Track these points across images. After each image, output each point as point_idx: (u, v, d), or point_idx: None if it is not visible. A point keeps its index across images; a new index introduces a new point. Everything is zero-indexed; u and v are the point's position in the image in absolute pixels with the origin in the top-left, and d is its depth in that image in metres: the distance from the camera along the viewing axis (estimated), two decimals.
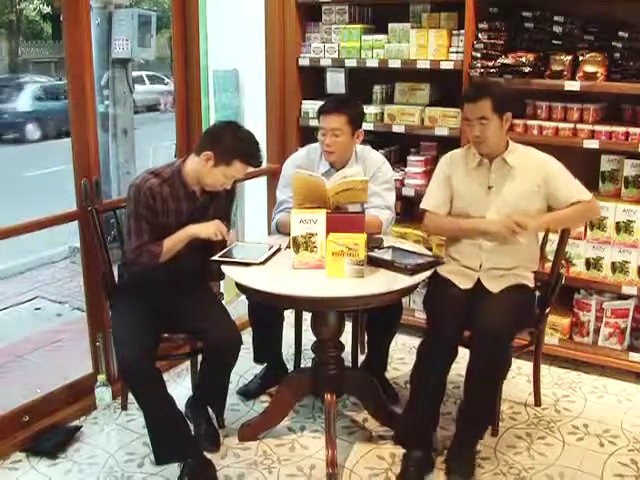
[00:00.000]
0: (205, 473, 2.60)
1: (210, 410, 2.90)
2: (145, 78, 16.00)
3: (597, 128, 3.27)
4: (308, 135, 3.83)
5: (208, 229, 2.67)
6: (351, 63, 3.78)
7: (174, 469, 2.62)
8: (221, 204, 2.79)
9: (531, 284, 2.83)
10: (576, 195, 2.75)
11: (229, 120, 2.96)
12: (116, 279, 2.88)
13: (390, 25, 3.68)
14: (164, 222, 2.64)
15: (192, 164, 2.65)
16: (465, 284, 2.78)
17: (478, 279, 2.79)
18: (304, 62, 3.92)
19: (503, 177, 2.78)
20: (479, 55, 3.39)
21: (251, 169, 2.74)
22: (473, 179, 2.82)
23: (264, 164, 4.01)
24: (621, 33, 3.20)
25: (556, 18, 3.35)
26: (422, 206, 2.93)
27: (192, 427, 2.75)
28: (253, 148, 2.65)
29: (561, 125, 3.34)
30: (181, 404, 2.82)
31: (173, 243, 2.64)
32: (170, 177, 2.65)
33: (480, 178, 2.81)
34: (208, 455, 2.66)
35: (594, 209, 2.88)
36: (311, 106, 3.92)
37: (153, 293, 2.66)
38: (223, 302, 2.96)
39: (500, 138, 2.75)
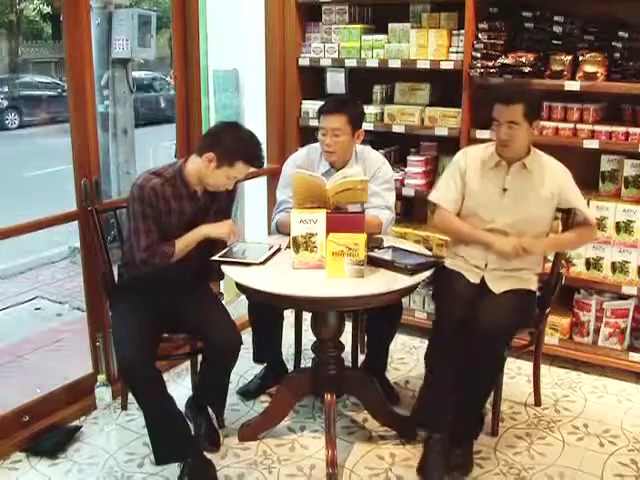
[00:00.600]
0: (205, 473, 2.60)
1: (210, 410, 2.90)
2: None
3: (597, 128, 3.27)
4: (308, 135, 3.82)
5: (222, 229, 2.69)
6: (351, 63, 3.77)
7: (174, 469, 2.62)
8: (222, 204, 2.79)
9: (534, 287, 2.83)
10: (587, 213, 2.79)
11: (231, 121, 2.96)
12: (116, 279, 2.88)
13: (390, 25, 3.68)
14: (166, 222, 2.64)
15: (194, 165, 2.65)
16: (473, 279, 2.78)
17: (483, 277, 2.79)
18: (304, 62, 3.91)
19: (520, 181, 2.75)
20: (479, 55, 3.39)
21: (253, 169, 2.74)
22: (489, 180, 2.79)
23: (264, 164, 4.04)
24: (621, 33, 3.19)
25: (556, 18, 3.35)
26: (433, 199, 2.89)
27: (192, 427, 2.75)
28: (255, 149, 2.66)
29: (561, 125, 3.34)
30: (181, 404, 2.83)
31: (185, 244, 2.65)
32: (172, 177, 2.65)
33: (496, 179, 2.78)
34: (208, 455, 2.66)
35: (593, 235, 2.93)
36: (311, 106, 3.92)
37: (153, 293, 2.65)
38: (223, 302, 2.96)
39: (526, 144, 2.73)
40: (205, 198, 2.71)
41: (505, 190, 2.77)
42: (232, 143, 2.60)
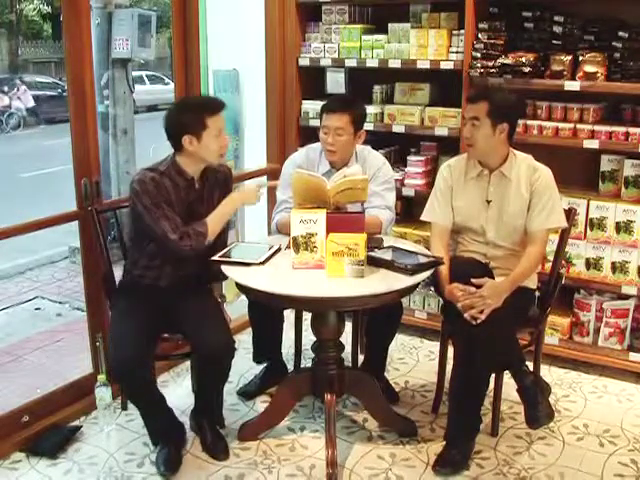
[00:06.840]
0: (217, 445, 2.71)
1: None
2: (145, 78, 16.04)
3: (597, 128, 3.26)
4: (308, 135, 3.82)
5: (251, 198, 2.78)
6: (351, 63, 3.77)
7: None
8: (219, 191, 2.77)
9: (533, 285, 2.84)
10: (541, 225, 2.71)
11: (172, 103, 2.97)
12: (116, 279, 2.87)
13: (390, 25, 3.68)
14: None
15: (183, 157, 2.64)
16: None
17: None
18: (304, 62, 3.91)
19: (501, 191, 2.76)
20: (479, 55, 3.39)
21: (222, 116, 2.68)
22: (472, 192, 2.80)
23: (264, 164, 4.05)
24: (621, 33, 3.20)
25: (556, 18, 3.35)
26: (424, 217, 2.91)
27: (198, 438, 2.80)
28: (206, 100, 2.80)
29: (561, 125, 3.34)
30: (181, 404, 2.83)
31: (217, 218, 2.66)
32: (167, 170, 2.65)
33: (479, 190, 2.79)
34: (219, 462, 2.72)
35: (539, 261, 2.81)
36: (311, 106, 3.92)
37: (153, 293, 2.65)
38: (225, 305, 2.94)
39: (491, 147, 2.71)
40: (201, 185, 2.71)
41: (489, 202, 2.78)
42: (188, 115, 2.60)
